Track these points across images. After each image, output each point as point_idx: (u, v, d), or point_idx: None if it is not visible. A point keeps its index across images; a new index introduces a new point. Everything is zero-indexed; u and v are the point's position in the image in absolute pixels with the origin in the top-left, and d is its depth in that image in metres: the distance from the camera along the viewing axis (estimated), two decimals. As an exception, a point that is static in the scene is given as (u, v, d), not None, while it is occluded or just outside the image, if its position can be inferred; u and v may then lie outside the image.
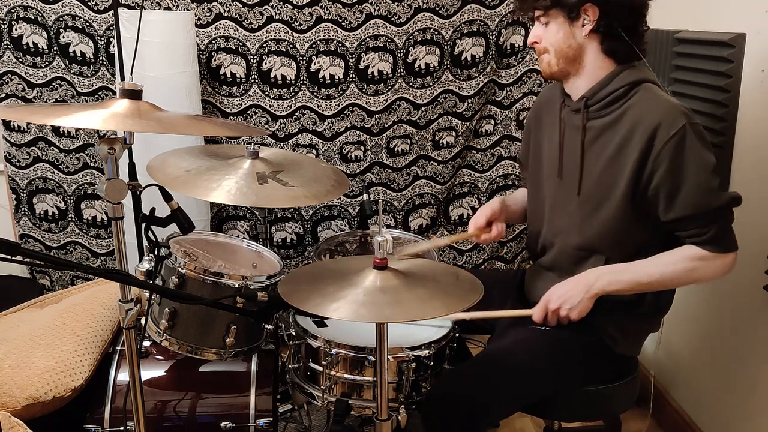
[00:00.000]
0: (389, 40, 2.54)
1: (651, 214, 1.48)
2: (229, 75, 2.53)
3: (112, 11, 2.21)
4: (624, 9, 1.45)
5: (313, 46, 2.51)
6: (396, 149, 2.68)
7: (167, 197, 1.53)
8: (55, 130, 2.58)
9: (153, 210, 1.51)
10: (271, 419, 1.70)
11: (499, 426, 2.26)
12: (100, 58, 2.49)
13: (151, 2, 2.40)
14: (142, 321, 1.65)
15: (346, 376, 1.63)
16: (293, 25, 2.49)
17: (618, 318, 1.58)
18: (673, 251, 1.49)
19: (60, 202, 2.66)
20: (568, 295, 1.53)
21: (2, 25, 2.45)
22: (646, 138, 1.42)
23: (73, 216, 2.68)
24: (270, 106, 2.57)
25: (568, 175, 1.60)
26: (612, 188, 1.50)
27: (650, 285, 1.51)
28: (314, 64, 2.54)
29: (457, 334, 1.72)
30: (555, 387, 1.58)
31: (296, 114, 2.59)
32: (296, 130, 2.60)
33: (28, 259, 1.31)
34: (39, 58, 2.50)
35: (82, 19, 2.45)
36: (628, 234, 1.53)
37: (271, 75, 2.54)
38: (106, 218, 2.68)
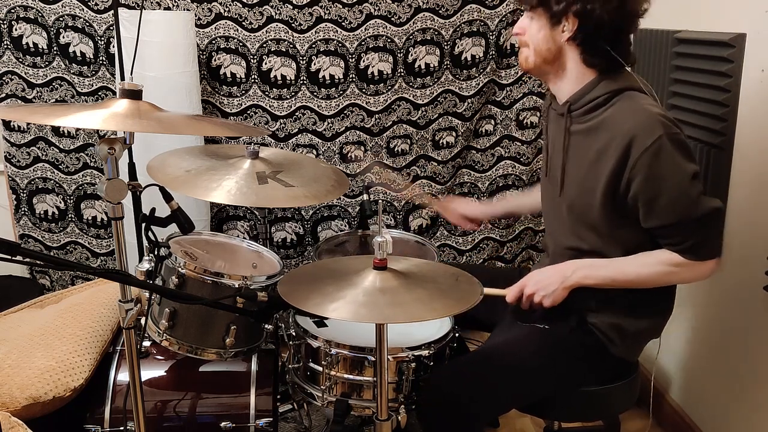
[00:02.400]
0: (389, 40, 2.54)
1: (635, 219, 1.49)
2: (229, 75, 2.53)
3: (112, 11, 2.21)
4: (602, 26, 1.45)
5: (313, 46, 2.52)
6: (396, 149, 2.68)
7: (167, 197, 1.53)
8: (55, 130, 2.58)
9: (153, 210, 1.51)
10: (271, 419, 1.70)
11: (499, 426, 2.26)
12: (100, 58, 2.49)
13: (151, 2, 2.40)
14: (142, 321, 1.65)
15: (346, 376, 1.63)
16: (293, 25, 2.49)
17: (617, 320, 1.58)
18: (651, 253, 1.50)
19: (60, 202, 2.66)
20: (544, 283, 1.54)
21: (2, 25, 2.45)
22: (623, 147, 1.42)
23: (73, 216, 2.68)
24: (270, 106, 2.58)
25: (553, 177, 1.62)
26: (592, 194, 1.50)
27: (625, 283, 1.53)
28: (314, 64, 2.54)
29: (457, 334, 1.72)
30: (553, 385, 1.58)
31: (296, 114, 2.59)
32: (296, 130, 2.61)
33: (28, 259, 1.31)
34: (39, 58, 2.50)
35: (82, 19, 2.45)
36: (617, 237, 1.53)
37: (271, 75, 2.54)
38: (106, 218, 2.68)
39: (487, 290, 1.65)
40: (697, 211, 1.42)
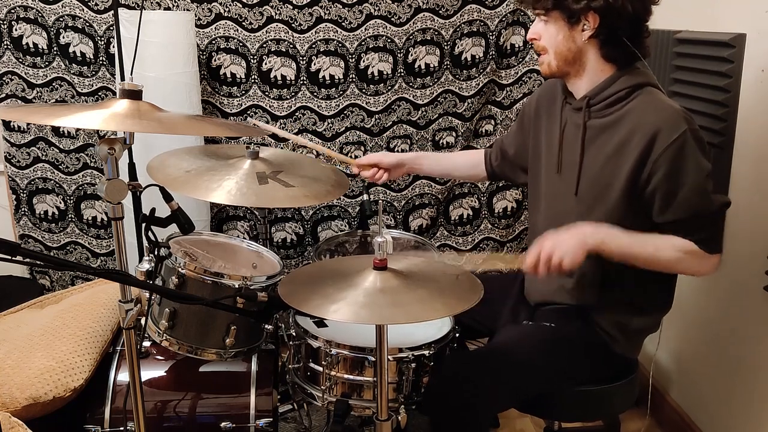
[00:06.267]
0: (389, 41, 2.54)
1: (647, 214, 1.49)
2: (229, 75, 2.53)
3: (112, 11, 2.21)
4: (625, 18, 1.45)
5: (313, 46, 2.51)
6: (396, 149, 2.68)
7: (167, 197, 1.53)
8: (55, 130, 2.58)
9: (153, 210, 1.51)
10: (271, 419, 1.70)
11: (499, 426, 2.26)
12: (100, 58, 2.49)
13: (151, 2, 2.40)
14: (142, 321, 1.65)
15: (346, 376, 1.63)
16: (293, 25, 2.49)
17: (620, 318, 1.59)
18: (666, 236, 1.48)
19: (60, 203, 2.66)
20: (561, 241, 1.46)
21: (2, 25, 2.45)
22: (646, 141, 1.43)
23: (73, 216, 2.68)
24: (270, 107, 2.57)
25: (566, 172, 1.61)
26: (608, 188, 1.51)
27: (639, 259, 1.49)
28: (314, 64, 2.54)
29: (457, 334, 1.72)
30: (556, 381, 1.59)
31: (296, 114, 2.59)
32: (296, 130, 2.60)
33: (28, 260, 1.31)
34: (39, 58, 2.50)
35: (82, 20, 2.45)
36: None
37: (271, 75, 2.54)
38: (106, 218, 2.68)
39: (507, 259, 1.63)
40: (711, 207, 1.45)
